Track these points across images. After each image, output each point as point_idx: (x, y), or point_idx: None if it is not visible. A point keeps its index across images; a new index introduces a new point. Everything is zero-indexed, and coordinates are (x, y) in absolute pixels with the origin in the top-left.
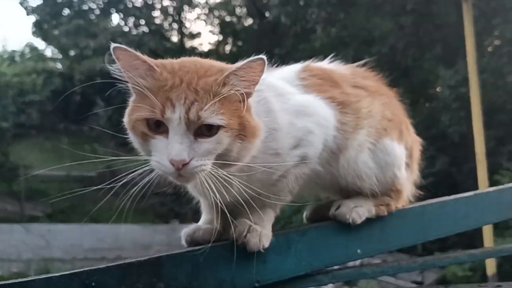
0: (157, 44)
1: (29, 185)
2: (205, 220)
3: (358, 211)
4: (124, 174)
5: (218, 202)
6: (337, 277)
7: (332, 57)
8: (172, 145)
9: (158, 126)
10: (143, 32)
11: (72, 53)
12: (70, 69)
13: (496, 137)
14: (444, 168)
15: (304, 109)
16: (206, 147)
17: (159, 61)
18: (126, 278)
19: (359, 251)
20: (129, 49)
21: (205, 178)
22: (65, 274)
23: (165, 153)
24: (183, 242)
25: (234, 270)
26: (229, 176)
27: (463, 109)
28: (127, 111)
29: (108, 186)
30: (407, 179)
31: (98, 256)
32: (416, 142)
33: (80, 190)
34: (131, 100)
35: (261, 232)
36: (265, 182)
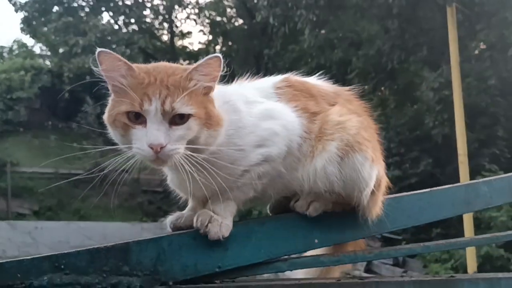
0: (147, 42)
1: (16, 182)
2: (189, 208)
3: (315, 205)
4: (106, 163)
5: (190, 190)
6: (294, 265)
7: (321, 74)
8: (150, 132)
9: (137, 118)
10: (133, 30)
11: (61, 50)
12: (58, 66)
13: (478, 139)
14: (428, 169)
15: (270, 113)
16: (179, 133)
17: (135, 64)
18: (94, 261)
19: (316, 241)
20: (112, 53)
21: (180, 161)
22: (36, 257)
23: (145, 140)
24: (168, 228)
25: (197, 256)
26: (199, 158)
27: (446, 111)
28: (108, 108)
29: (93, 175)
30: (368, 203)
31: None
32: (384, 177)
33: (72, 180)
34: (111, 98)
35: (221, 223)
36: (230, 175)
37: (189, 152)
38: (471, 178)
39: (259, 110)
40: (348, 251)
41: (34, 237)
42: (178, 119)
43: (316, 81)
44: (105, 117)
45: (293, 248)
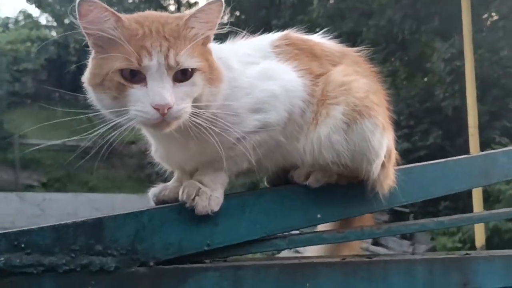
0: None
1: (24, 154)
2: (174, 179)
3: (316, 175)
4: (101, 126)
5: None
6: (294, 242)
7: (326, 31)
8: (154, 91)
9: (133, 76)
10: (139, 0)
11: (67, 21)
12: (65, 37)
13: (489, 111)
14: (437, 142)
15: (268, 73)
16: (184, 90)
17: (122, 15)
18: (61, 239)
19: (319, 215)
20: (97, 1)
21: (188, 123)
22: None
23: (147, 100)
24: (151, 202)
25: (182, 232)
26: (202, 119)
27: (457, 83)
28: (90, 68)
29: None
30: (378, 175)
31: None
32: (393, 148)
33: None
34: (92, 57)
35: (210, 195)
36: (223, 144)
37: (195, 111)
38: (482, 151)
39: (255, 70)
40: (354, 227)
41: (42, 208)
42: (180, 75)
43: (319, 39)
44: (85, 78)
45: (292, 223)
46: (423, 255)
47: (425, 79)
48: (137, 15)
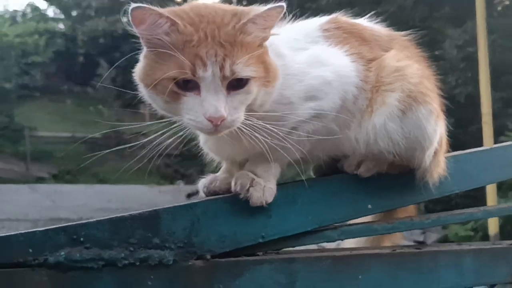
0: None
1: (35, 146)
2: (223, 169)
3: (368, 164)
4: (153, 136)
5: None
6: (346, 234)
7: (372, 15)
8: (208, 103)
9: (186, 84)
10: None
11: (74, 13)
12: (72, 29)
13: (503, 98)
14: (450, 129)
15: (320, 59)
16: (238, 99)
17: (172, 10)
18: (118, 232)
19: (369, 206)
20: (151, 7)
21: (239, 129)
22: (51, 228)
23: (201, 110)
24: (201, 193)
25: (237, 225)
26: (257, 124)
27: (470, 69)
28: (143, 67)
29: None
30: (429, 164)
31: (105, 216)
32: (445, 135)
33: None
34: (144, 55)
35: (264, 186)
36: (276, 134)
37: (248, 118)
38: (495, 139)
39: (306, 56)
40: (403, 218)
41: (54, 200)
42: (235, 82)
43: (367, 23)
44: (138, 76)
45: (344, 214)
46: (470, 246)
47: (437, 64)
48: (189, 10)
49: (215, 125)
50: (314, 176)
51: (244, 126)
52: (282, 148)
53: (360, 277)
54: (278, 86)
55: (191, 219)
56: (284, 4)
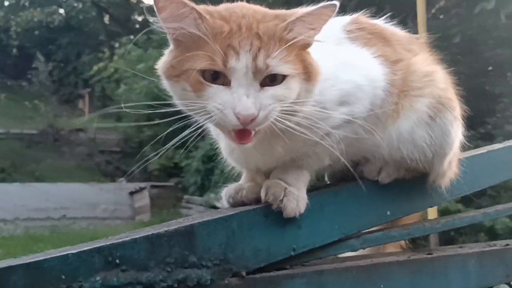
0: None
1: None
2: (246, 178)
3: (388, 170)
4: (187, 132)
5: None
6: (368, 242)
7: (389, 17)
8: (239, 97)
9: (216, 78)
10: None
11: (6, 3)
12: (5, 20)
13: None
14: None
15: (348, 61)
16: (272, 92)
17: (203, 7)
18: (154, 252)
19: (388, 212)
20: None
21: (275, 125)
22: (84, 250)
23: (229, 102)
24: (225, 203)
25: (270, 237)
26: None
27: None
28: (167, 60)
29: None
30: (447, 168)
31: (42, 216)
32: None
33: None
34: (170, 49)
35: (298, 196)
36: (309, 141)
37: (287, 113)
38: None
39: (335, 59)
40: (416, 223)
41: None
42: (269, 81)
43: (385, 24)
44: (160, 67)
45: (366, 222)
46: (472, 248)
47: None
48: (224, 8)
49: (243, 123)
50: (328, 182)
51: (282, 123)
52: (314, 154)
53: (382, 286)
54: (318, 83)
55: (227, 233)
56: (337, 2)
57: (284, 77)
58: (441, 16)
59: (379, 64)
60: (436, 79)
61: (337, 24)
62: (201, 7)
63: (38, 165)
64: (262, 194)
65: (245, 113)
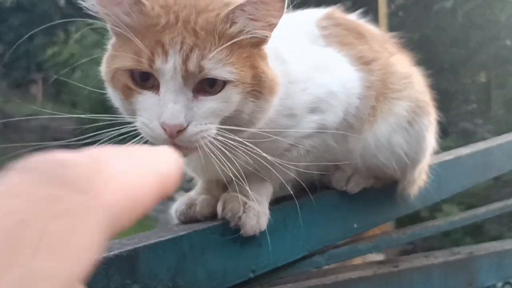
0: None
1: None
2: (201, 189)
3: (357, 179)
4: (100, 132)
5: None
6: (333, 258)
7: (363, 13)
8: (164, 105)
9: (146, 79)
10: None
11: None
12: None
13: None
14: None
15: (325, 64)
16: (209, 106)
17: None
18: (90, 283)
19: (355, 225)
20: None
21: (209, 148)
22: None
23: (156, 113)
24: (175, 220)
25: (225, 258)
26: (239, 141)
27: None
28: (105, 58)
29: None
30: (417, 177)
31: None
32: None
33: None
34: (111, 43)
35: (259, 212)
36: (273, 151)
37: (224, 134)
38: None
39: (309, 61)
40: (383, 234)
41: None
42: (207, 86)
43: (359, 20)
44: (102, 70)
45: (332, 236)
46: (437, 258)
47: None
48: None
49: (170, 136)
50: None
51: (216, 147)
52: (277, 167)
53: None
54: (275, 100)
55: (177, 256)
56: None
57: (224, 85)
58: (400, 13)
59: (355, 69)
60: (415, 81)
61: (310, 18)
62: None
63: None
64: (219, 210)
65: (171, 122)
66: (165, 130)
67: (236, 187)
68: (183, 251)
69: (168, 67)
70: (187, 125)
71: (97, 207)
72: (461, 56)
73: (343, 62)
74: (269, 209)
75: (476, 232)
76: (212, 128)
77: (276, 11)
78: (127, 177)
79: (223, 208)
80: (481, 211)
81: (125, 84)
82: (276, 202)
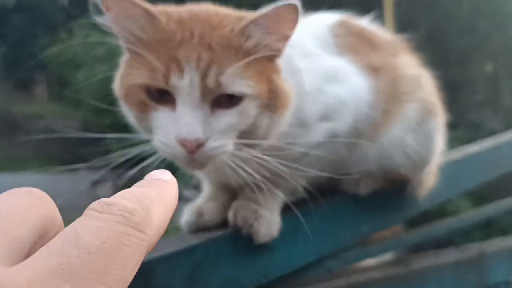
0: None
1: None
2: (208, 196)
3: (368, 180)
4: (118, 154)
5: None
6: (345, 260)
7: (374, 17)
8: (182, 120)
9: (162, 95)
10: None
11: None
12: None
13: None
14: None
15: (336, 75)
16: (227, 121)
17: (162, 8)
18: None
19: (365, 227)
20: None
21: (227, 163)
22: None
23: (173, 130)
24: (186, 229)
25: (239, 266)
26: (254, 155)
27: None
28: (119, 75)
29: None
30: (426, 179)
31: None
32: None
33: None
34: (123, 60)
35: (270, 220)
36: (285, 160)
37: (240, 149)
38: None
39: (321, 70)
40: (393, 236)
41: None
42: (225, 100)
43: (370, 26)
44: (115, 87)
45: (343, 240)
46: (448, 256)
47: None
48: (186, 9)
49: (190, 151)
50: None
51: (234, 161)
52: (288, 175)
53: None
54: (289, 114)
55: (191, 266)
56: (296, 2)
57: (241, 99)
58: (407, 3)
59: (365, 77)
60: (423, 83)
61: (323, 25)
62: (159, 7)
63: None
64: (230, 218)
65: (190, 137)
66: (185, 146)
67: (247, 194)
68: (197, 260)
69: (185, 84)
70: (206, 140)
71: (148, 244)
72: (468, 46)
73: (354, 70)
74: (280, 215)
75: (485, 225)
76: (230, 143)
77: (290, 22)
78: (160, 217)
79: (235, 216)
80: (491, 208)
81: (140, 99)
82: (287, 208)
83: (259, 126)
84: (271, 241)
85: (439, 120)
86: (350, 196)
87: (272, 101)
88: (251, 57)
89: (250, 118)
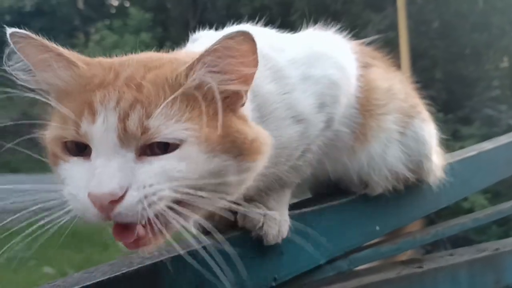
0: None
1: None
2: None
3: (376, 181)
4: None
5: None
6: (356, 261)
7: (341, 27)
8: (92, 171)
9: (81, 150)
10: None
11: None
12: None
13: (417, 81)
14: None
15: (316, 56)
16: (159, 166)
17: (90, 59)
18: None
19: (377, 228)
20: (32, 35)
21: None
22: None
23: (84, 182)
24: (194, 231)
25: (248, 269)
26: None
27: (391, 54)
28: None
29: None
30: (435, 167)
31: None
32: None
33: None
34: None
35: (280, 221)
36: (290, 157)
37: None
38: None
39: (300, 54)
40: (406, 236)
41: None
42: (160, 146)
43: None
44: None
45: (353, 241)
46: (462, 256)
47: None
48: (125, 57)
49: (101, 209)
50: (310, 195)
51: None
52: (295, 168)
53: None
54: (265, 159)
55: (196, 269)
56: (247, 30)
57: (177, 145)
58: (419, 1)
59: (350, 54)
60: (396, 91)
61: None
62: (81, 57)
63: (13, 156)
64: (239, 220)
65: (97, 191)
66: (94, 203)
67: (255, 197)
68: (205, 263)
69: (97, 128)
70: (126, 192)
71: None
72: (482, 42)
73: (336, 39)
74: (290, 215)
75: (502, 223)
76: (164, 189)
77: (244, 57)
78: None
79: (244, 219)
80: (506, 207)
81: (53, 152)
82: (296, 208)
83: (224, 173)
84: (281, 243)
85: (422, 116)
86: (360, 197)
87: (235, 147)
88: (177, 93)
89: (198, 164)
